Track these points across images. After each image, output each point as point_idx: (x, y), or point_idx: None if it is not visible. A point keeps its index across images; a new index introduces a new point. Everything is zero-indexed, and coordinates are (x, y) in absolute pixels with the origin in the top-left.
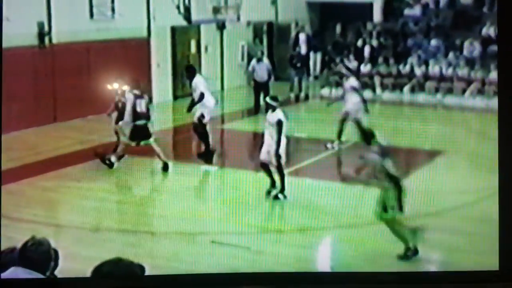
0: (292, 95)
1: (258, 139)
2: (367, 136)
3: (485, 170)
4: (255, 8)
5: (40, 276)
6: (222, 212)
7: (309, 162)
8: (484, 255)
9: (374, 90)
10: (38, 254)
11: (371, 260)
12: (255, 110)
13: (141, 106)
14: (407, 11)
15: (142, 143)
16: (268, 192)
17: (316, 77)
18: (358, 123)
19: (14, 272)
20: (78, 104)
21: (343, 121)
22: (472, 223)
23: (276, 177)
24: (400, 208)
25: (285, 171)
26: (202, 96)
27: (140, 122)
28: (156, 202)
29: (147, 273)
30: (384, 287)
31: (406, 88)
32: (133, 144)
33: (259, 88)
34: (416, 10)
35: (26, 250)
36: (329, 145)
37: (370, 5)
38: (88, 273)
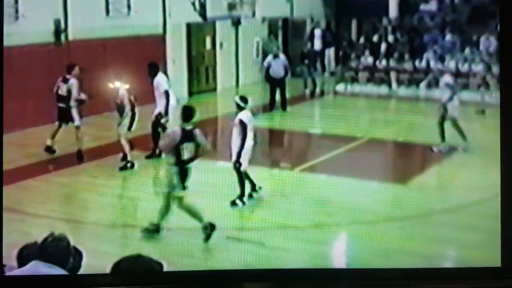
0: (307, 91)
1: (274, 135)
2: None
3: (499, 166)
4: (270, 4)
5: (60, 271)
6: (235, 208)
7: (324, 158)
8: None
9: (390, 85)
10: (58, 249)
11: (385, 257)
12: (271, 106)
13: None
14: (423, 6)
15: None
16: (250, 195)
17: (332, 73)
18: (455, 123)
19: (34, 266)
20: (94, 100)
21: (442, 121)
22: (487, 219)
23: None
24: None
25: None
26: (167, 94)
27: None
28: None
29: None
30: (388, 283)
31: (422, 84)
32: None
33: (275, 84)
34: (432, 5)
35: (46, 245)
36: (435, 149)
37: (386, 0)
38: (105, 269)
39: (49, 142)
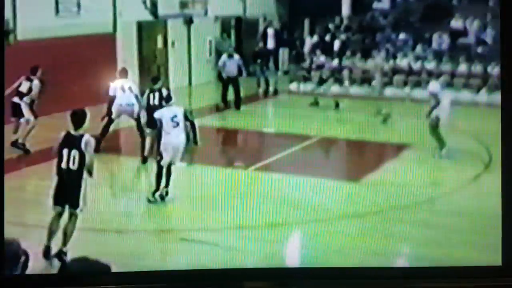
0: (261, 91)
1: (227, 134)
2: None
3: (454, 163)
4: (222, 3)
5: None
6: (191, 209)
7: (278, 157)
8: (455, 248)
9: (342, 84)
10: (7, 253)
11: (342, 255)
12: (224, 106)
13: None
14: (375, 5)
15: None
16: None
17: (285, 72)
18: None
19: None
20: (42, 101)
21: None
22: (442, 216)
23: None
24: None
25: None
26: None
27: None
28: (124, 200)
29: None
30: (386, 282)
31: (374, 82)
32: None
33: (229, 83)
34: (385, 3)
35: None
36: (444, 154)
37: None
38: (54, 271)
39: (14, 137)
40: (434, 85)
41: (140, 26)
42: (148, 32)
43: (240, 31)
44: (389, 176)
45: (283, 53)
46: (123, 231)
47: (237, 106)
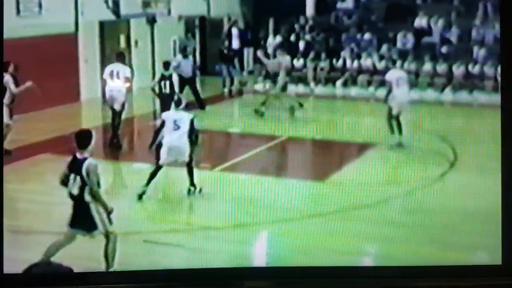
0: (226, 90)
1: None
2: None
3: (417, 161)
4: (186, 2)
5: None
6: (157, 210)
7: (244, 157)
8: (420, 245)
9: (307, 84)
10: None
11: (308, 254)
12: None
13: None
14: (339, 5)
15: None
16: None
17: (250, 72)
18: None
19: None
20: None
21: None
22: (407, 214)
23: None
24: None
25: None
26: None
27: None
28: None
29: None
30: (386, 281)
31: (339, 82)
32: None
33: (184, 83)
34: (349, 3)
35: None
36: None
37: None
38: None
39: None
40: (389, 73)
41: (103, 25)
42: (111, 32)
43: (204, 31)
44: (354, 175)
45: (248, 53)
46: None
47: (201, 107)
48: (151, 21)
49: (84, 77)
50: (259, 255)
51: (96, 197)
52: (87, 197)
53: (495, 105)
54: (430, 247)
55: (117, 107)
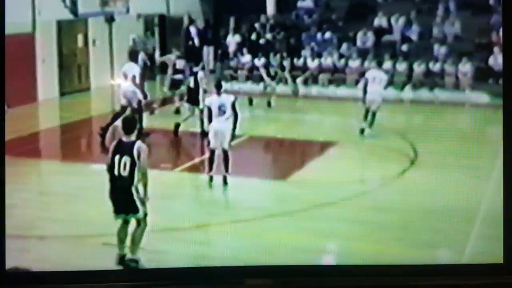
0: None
1: (152, 135)
2: None
3: (377, 160)
4: (145, 0)
5: None
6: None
7: (204, 157)
8: (382, 243)
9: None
10: None
11: (271, 253)
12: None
13: None
14: (300, 3)
15: None
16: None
17: (211, 71)
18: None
19: None
20: None
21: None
22: (368, 212)
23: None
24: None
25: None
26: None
27: None
28: (44, 205)
29: None
30: (387, 279)
31: (299, 81)
32: None
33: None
34: (309, 2)
35: None
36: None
37: None
38: None
39: None
40: (369, 72)
41: (60, 25)
42: (68, 31)
43: (164, 29)
44: (315, 174)
45: (208, 52)
46: (45, 237)
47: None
48: (110, 19)
49: (41, 78)
50: (221, 255)
51: (145, 176)
52: (136, 177)
53: (455, 102)
54: (392, 244)
55: (134, 105)
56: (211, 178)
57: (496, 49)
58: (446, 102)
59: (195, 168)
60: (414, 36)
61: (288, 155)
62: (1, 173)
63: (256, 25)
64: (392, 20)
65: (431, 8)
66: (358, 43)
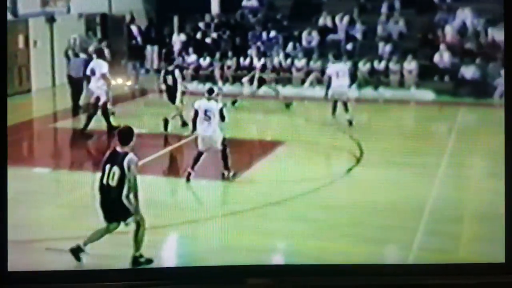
0: (129, 89)
1: (95, 137)
2: None
3: (324, 158)
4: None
5: None
6: (58, 217)
7: (150, 158)
8: (331, 241)
9: (215, 83)
10: None
11: (218, 254)
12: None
13: None
14: (244, 2)
15: None
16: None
17: (157, 71)
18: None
19: None
20: None
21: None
22: (316, 210)
23: None
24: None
25: None
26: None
27: None
28: None
29: None
30: (387, 279)
31: (245, 80)
32: None
33: (76, 85)
34: (254, 1)
35: None
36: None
37: None
38: None
39: None
40: (329, 68)
41: None
42: (8, 32)
43: (106, 29)
44: (263, 173)
45: (152, 51)
46: None
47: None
48: (50, 20)
49: None
50: (171, 257)
51: (134, 187)
52: (125, 188)
53: (400, 100)
54: (341, 242)
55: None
56: (188, 174)
57: (442, 46)
58: (391, 100)
59: (141, 170)
60: (358, 35)
61: (235, 155)
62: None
63: (201, 24)
64: (337, 19)
65: (375, 6)
66: (303, 42)
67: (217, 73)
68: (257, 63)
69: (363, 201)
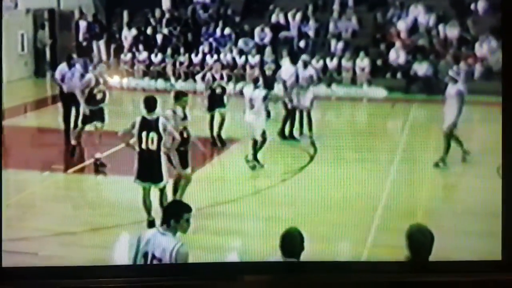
0: None
1: (44, 134)
2: None
3: (278, 156)
4: None
5: None
6: (5, 217)
7: (101, 156)
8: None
9: (167, 79)
10: None
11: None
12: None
13: None
14: None
15: None
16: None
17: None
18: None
19: None
20: None
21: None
22: (269, 207)
23: None
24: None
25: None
26: None
27: None
28: None
29: None
30: (385, 276)
31: (198, 77)
32: None
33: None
34: None
35: None
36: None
37: None
38: None
39: None
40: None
41: None
42: None
43: (54, 24)
44: (218, 170)
45: (99, 47)
46: None
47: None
48: None
49: None
50: (120, 257)
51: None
52: (163, 149)
53: (353, 97)
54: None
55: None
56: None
57: (397, 44)
58: (343, 97)
59: (89, 169)
60: (311, 32)
61: (190, 152)
62: None
63: (151, 20)
64: (289, 16)
65: (327, 3)
66: (256, 39)
67: (169, 69)
68: (210, 60)
69: (315, 198)
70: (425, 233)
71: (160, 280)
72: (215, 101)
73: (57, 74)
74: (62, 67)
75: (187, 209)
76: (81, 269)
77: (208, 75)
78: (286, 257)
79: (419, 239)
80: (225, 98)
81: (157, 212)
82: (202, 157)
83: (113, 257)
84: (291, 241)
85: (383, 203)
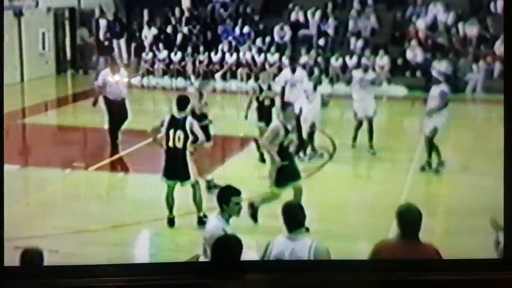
0: None
1: (64, 132)
2: None
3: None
4: None
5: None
6: (28, 215)
7: (121, 154)
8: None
9: (186, 78)
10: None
11: (187, 252)
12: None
13: None
14: None
15: None
16: None
17: (126, 65)
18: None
19: None
20: None
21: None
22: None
23: None
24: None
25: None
26: None
27: None
28: None
29: None
30: (383, 274)
31: (218, 75)
32: None
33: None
34: None
35: None
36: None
37: None
38: None
39: None
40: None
41: None
42: None
43: (75, 23)
44: (236, 169)
45: (119, 46)
46: None
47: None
48: (18, 14)
49: None
50: (139, 255)
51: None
52: (190, 148)
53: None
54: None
55: None
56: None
57: (413, 42)
58: None
59: (111, 167)
60: (330, 30)
61: (208, 151)
62: None
63: (171, 18)
64: (309, 14)
65: (346, 1)
66: (276, 37)
67: (189, 68)
68: (229, 58)
69: (334, 197)
70: (413, 211)
71: (153, 279)
72: (263, 114)
73: (100, 79)
74: (106, 71)
75: (236, 192)
76: (92, 267)
77: (255, 86)
78: (292, 231)
79: (409, 217)
80: (273, 111)
81: (177, 210)
82: (221, 155)
83: (132, 254)
84: (291, 211)
85: (402, 202)
